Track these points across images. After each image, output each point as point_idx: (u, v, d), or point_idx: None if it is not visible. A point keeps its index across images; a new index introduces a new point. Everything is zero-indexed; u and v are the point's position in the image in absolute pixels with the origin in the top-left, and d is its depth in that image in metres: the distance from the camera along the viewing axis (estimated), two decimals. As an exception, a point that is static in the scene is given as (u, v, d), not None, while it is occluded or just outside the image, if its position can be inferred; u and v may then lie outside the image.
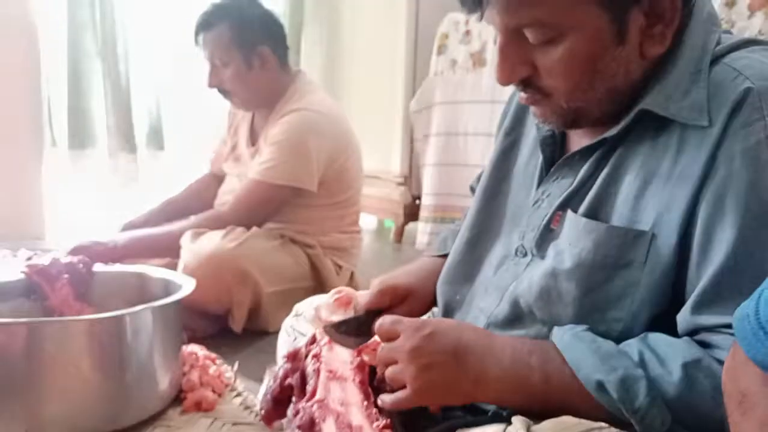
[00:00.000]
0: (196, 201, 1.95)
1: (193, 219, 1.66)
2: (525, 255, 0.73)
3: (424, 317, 0.74)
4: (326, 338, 0.79)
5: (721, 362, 0.52)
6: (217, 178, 2.00)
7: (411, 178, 2.75)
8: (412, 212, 2.76)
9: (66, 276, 1.11)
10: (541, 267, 0.68)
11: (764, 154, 0.56)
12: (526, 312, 0.69)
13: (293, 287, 1.63)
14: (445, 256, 0.89)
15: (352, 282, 1.84)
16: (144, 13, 2.66)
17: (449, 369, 0.63)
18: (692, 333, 0.59)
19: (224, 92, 1.74)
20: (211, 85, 1.72)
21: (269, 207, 1.67)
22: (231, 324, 1.55)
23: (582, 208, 0.66)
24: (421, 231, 2.62)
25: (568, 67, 0.62)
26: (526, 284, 0.69)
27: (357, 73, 2.97)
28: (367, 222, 3.43)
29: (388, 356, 0.67)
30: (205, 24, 1.68)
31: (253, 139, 1.85)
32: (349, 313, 0.87)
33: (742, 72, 0.59)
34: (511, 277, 0.73)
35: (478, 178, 0.90)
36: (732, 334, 0.53)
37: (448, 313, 0.81)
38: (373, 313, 0.85)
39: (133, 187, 2.72)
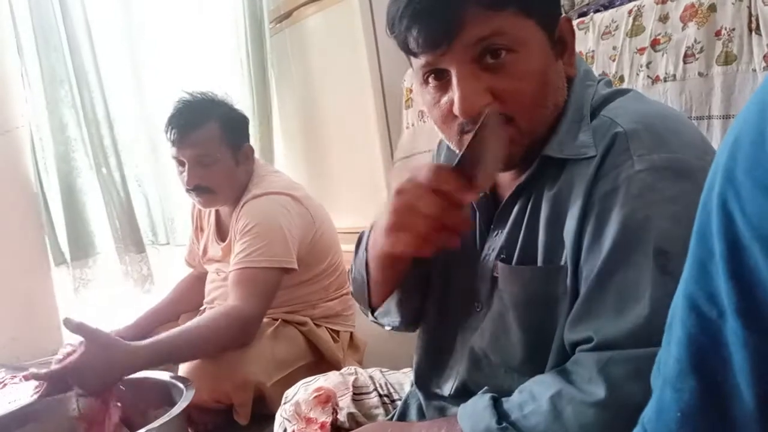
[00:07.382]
0: (183, 304, 1.97)
1: (206, 324, 1.50)
2: (481, 309, 0.79)
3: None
4: None
5: (577, 385, 0.60)
6: (200, 276, 1.98)
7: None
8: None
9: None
10: (490, 314, 0.75)
11: (632, 188, 0.62)
12: (482, 356, 0.76)
13: (294, 369, 1.63)
14: None
15: (352, 343, 1.83)
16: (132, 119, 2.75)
17: None
18: (571, 348, 0.65)
19: (202, 190, 1.68)
20: (191, 184, 1.66)
21: (269, 289, 1.58)
22: (236, 418, 1.54)
23: (515, 256, 0.73)
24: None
25: (527, 78, 0.69)
26: (479, 332, 0.76)
27: (335, 138, 3.05)
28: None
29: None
30: (193, 123, 1.61)
31: (222, 234, 1.82)
32: (327, 411, 0.92)
33: (614, 119, 0.68)
34: (472, 331, 0.79)
35: None
36: (588, 350, 0.61)
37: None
38: None
39: (147, 284, 2.78)
